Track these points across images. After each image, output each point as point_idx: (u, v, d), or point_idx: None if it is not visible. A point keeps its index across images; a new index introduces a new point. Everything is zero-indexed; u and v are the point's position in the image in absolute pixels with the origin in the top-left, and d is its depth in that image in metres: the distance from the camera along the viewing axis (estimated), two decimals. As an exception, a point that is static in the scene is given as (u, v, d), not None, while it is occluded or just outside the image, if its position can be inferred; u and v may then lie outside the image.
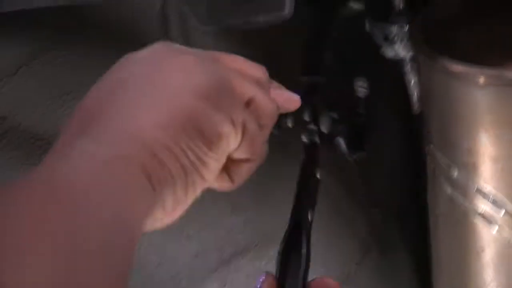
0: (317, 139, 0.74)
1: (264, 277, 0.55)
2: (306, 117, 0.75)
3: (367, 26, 0.82)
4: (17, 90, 0.78)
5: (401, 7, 0.80)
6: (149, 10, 0.80)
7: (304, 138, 0.73)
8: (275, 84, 0.56)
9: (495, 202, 0.72)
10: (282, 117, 0.68)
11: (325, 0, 0.83)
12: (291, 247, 0.66)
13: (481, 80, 0.67)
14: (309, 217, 0.69)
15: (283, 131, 0.70)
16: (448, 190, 0.76)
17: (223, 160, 0.47)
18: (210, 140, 0.45)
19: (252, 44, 0.84)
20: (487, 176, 0.72)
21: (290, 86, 0.85)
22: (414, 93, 0.84)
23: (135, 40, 0.80)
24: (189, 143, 0.43)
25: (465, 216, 0.75)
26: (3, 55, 0.77)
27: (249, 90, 0.50)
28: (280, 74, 0.86)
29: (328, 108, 0.78)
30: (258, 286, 0.55)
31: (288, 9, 0.64)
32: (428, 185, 0.84)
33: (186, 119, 0.43)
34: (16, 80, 0.77)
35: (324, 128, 0.76)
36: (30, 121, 0.79)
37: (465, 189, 0.74)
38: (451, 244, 0.81)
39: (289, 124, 0.72)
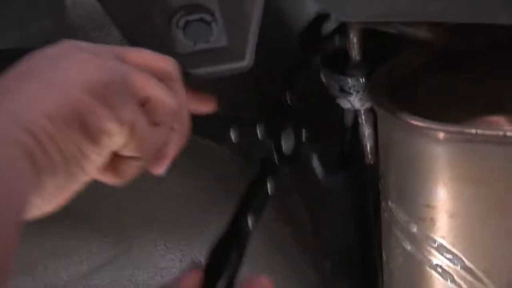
0: (274, 157, 0.74)
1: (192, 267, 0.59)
2: (261, 134, 0.74)
3: (323, 77, 0.82)
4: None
5: (357, 59, 0.80)
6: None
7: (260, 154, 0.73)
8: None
9: (452, 257, 0.71)
10: (225, 129, 0.68)
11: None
12: (222, 248, 0.66)
13: (441, 135, 0.67)
14: (249, 225, 0.69)
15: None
16: (405, 244, 0.75)
17: (105, 155, 0.49)
18: (92, 134, 0.46)
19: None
20: (445, 232, 0.71)
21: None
22: (368, 145, 0.84)
23: None
24: (71, 134, 0.45)
25: (422, 270, 0.75)
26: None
27: (147, 87, 0.51)
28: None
29: (299, 127, 0.78)
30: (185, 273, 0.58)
31: (248, 59, 0.63)
32: (383, 238, 0.83)
33: (71, 112, 0.45)
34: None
35: (286, 148, 0.76)
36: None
37: (422, 243, 0.73)
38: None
39: (233, 138, 0.71)
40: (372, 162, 0.85)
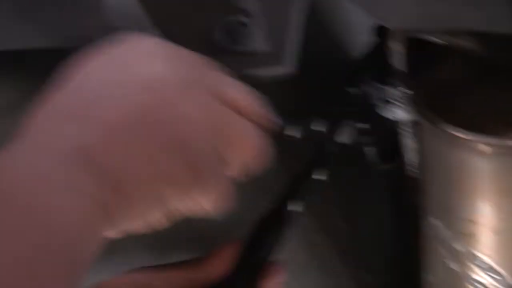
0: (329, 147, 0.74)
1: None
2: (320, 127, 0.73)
3: (363, 85, 0.81)
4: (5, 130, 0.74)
5: (400, 68, 0.78)
6: None
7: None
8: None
9: (495, 275, 0.69)
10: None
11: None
12: (263, 228, 0.66)
13: (487, 149, 0.64)
14: (294, 207, 0.69)
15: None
16: (447, 259, 0.73)
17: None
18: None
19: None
20: (488, 248, 0.69)
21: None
22: (408, 156, 0.82)
23: None
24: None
25: (463, 287, 0.72)
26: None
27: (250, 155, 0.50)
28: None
29: (354, 119, 0.77)
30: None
31: (287, 65, 0.63)
32: (424, 253, 0.81)
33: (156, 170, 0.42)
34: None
35: (344, 139, 0.75)
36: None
37: (464, 260, 0.71)
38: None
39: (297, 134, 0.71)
40: (412, 173, 0.83)
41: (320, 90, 0.87)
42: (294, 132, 0.71)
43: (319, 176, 0.73)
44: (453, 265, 0.72)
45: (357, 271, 1.02)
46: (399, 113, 0.78)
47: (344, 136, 0.77)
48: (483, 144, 0.64)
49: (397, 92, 0.77)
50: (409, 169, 0.82)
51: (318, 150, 0.74)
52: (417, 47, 0.78)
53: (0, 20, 0.61)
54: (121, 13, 0.78)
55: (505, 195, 0.66)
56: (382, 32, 0.80)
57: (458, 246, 0.71)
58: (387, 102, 0.78)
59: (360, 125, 0.79)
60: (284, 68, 0.62)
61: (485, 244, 0.69)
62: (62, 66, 0.46)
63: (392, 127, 0.79)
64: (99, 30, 0.62)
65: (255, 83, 0.68)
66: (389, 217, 1.05)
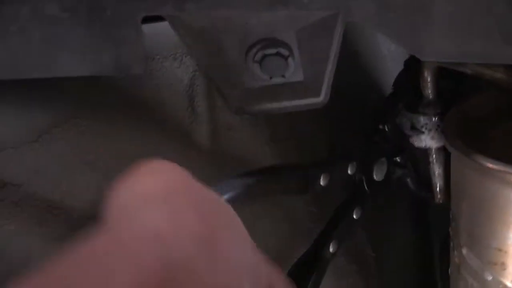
0: (364, 185, 0.77)
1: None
2: (352, 171, 0.77)
3: (395, 117, 0.82)
4: (37, 157, 0.76)
5: (430, 97, 0.79)
6: (176, 84, 0.79)
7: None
8: None
9: (523, 305, 0.70)
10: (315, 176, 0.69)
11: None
12: (302, 270, 0.67)
13: None
14: (331, 248, 0.73)
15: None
16: (475, 284, 0.73)
17: None
18: None
19: (279, 123, 0.83)
20: (516, 277, 0.70)
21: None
22: (438, 184, 0.83)
23: (159, 112, 0.79)
24: None
25: (491, 316, 0.73)
26: (25, 122, 0.75)
27: None
28: (310, 154, 0.87)
29: (388, 154, 0.81)
30: None
31: (324, 95, 0.63)
32: (452, 282, 0.81)
33: None
34: (37, 147, 0.76)
35: (377, 176, 0.79)
36: (46, 189, 0.77)
37: (493, 288, 0.71)
38: None
39: (322, 182, 0.73)
40: (441, 202, 0.84)
41: (353, 126, 0.89)
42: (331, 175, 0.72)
43: (354, 215, 0.75)
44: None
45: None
46: (430, 142, 0.79)
47: (380, 173, 0.79)
48: (511, 174, 0.65)
49: (429, 121, 0.78)
50: (439, 199, 0.83)
51: (355, 191, 0.76)
52: (449, 76, 0.79)
53: (39, 46, 0.62)
54: (158, 42, 0.80)
55: None
56: (413, 61, 0.81)
57: (487, 275, 0.72)
58: (419, 131, 0.79)
59: (394, 159, 0.80)
60: (321, 99, 0.63)
61: None
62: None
63: (424, 156, 0.81)
64: (136, 59, 0.63)
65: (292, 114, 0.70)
66: (418, 248, 1.06)
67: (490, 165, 0.66)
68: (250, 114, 0.79)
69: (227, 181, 0.63)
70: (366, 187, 0.77)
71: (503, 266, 0.70)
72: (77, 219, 0.76)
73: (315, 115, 0.88)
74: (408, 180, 0.84)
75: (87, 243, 0.35)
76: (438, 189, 0.83)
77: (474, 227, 0.73)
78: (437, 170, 0.82)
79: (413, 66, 0.82)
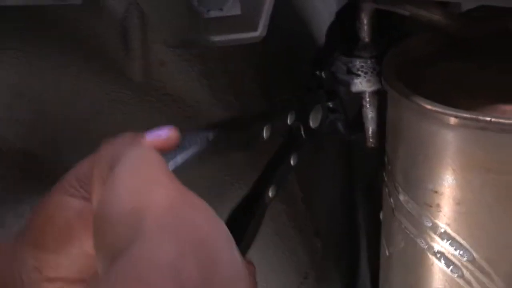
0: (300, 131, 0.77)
1: None
2: (291, 120, 0.76)
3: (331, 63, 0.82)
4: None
5: (366, 40, 0.78)
6: (109, 19, 0.76)
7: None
8: None
9: (456, 245, 0.70)
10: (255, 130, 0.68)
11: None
12: (241, 216, 0.67)
13: (454, 121, 0.65)
14: (270, 193, 0.73)
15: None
16: (408, 229, 0.74)
17: None
18: None
19: (212, 60, 0.82)
20: (450, 219, 0.70)
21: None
22: (370, 128, 0.82)
23: (93, 47, 0.76)
24: None
25: (424, 257, 0.73)
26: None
27: None
28: (242, 93, 0.86)
29: (324, 100, 0.81)
30: None
31: (261, 29, 0.61)
32: (384, 223, 0.82)
33: None
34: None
35: (313, 123, 0.79)
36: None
37: (426, 230, 0.72)
38: (405, 283, 0.79)
39: (264, 135, 0.72)
40: (373, 146, 0.83)
41: (289, 71, 0.88)
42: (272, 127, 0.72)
43: (292, 162, 0.75)
44: (415, 235, 0.73)
45: (308, 237, 1.04)
46: (366, 85, 0.78)
47: (315, 120, 0.79)
48: (451, 116, 0.65)
49: (364, 63, 0.78)
50: (371, 143, 0.82)
51: (292, 138, 0.75)
52: (385, 19, 0.78)
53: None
54: None
55: (469, 168, 0.67)
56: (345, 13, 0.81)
57: (420, 216, 0.72)
58: (355, 75, 0.78)
59: (328, 104, 0.81)
60: (258, 33, 0.61)
61: (447, 215, 0.70)
62: None
63: (359, 99, 0.80)
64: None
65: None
66: (342, 192, 1.07)
67: (428, 107, 0.66)
68: (186, 47, 0.77)
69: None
70: (303, 134, 0.77)
71: (438, 208, 0.70)
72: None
73: (249, 54, 0.87)
74: (339, 124, 0.84)
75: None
76: (370, 133, 0.83)
77: (410, 169, 0.73)
78: (370, 114, 0.81)
79: (345, 17, 0.82)
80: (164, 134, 0.51)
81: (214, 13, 0.60)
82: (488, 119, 0.63)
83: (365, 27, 0.78)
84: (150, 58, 0.78)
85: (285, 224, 1.00)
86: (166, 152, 0.50)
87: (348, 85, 0.80)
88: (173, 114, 0.81)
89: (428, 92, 0.68)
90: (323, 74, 0.80)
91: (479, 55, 0.77)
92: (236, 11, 0.61)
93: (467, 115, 0.64)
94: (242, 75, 0.88)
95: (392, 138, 0.76)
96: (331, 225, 1.09)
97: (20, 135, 0.74)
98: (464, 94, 0.70)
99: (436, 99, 0.67)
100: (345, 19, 0.82)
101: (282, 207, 0.98)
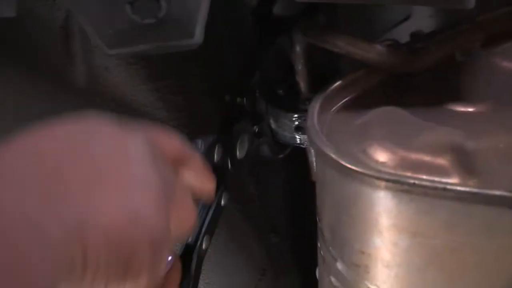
0: (228, 167, 0.74)
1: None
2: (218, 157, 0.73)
3: (272, 122, 0.81)
4: None
5: (303, 90, 0.77)
6: (49, 25, 0.75)
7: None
8: None
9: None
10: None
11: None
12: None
13: (376, 182, 0.57)
14: (204, 245, 0.70)
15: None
16: (337, 285, 0.68)
17: None
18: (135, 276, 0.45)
19: (157, 62, 0.81)
20: (379, 281, 0.63)
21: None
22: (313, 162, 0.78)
23: (33, 54, 0.76)
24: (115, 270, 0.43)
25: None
26: None
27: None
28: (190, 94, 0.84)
29: (250, 128, 0.78)
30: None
31: (198, 36, 0.61)
32: (319, 278, 0.76)
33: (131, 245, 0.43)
34: None
35: (240, 154, 0.76)
36: None
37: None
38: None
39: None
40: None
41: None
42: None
43: (223, 202, 0.72)
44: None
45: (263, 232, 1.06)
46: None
47: (242, 150, 0.76)
48: (371, 177, 0.57)
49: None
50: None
51: (219, 176, 0.71)
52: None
53: None
54: None
55: (396, 230, 0.59)
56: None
57: (352, 277, 0.66)
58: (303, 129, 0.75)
59: (255, 129, 0.78)
60: (195, 40, 0.60)
61: (376, 276, 0.62)
62: None
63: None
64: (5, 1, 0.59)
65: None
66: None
67: (350, 166, 0.58)
68: (123, 56, 0.76)
69: None
70: (230, 167, 0.74)
71: (366, 269, 0.63)
72: None
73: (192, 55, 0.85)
74: (265, 147, 0.80)
75: None
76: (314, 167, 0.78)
77: (337, 227, 0.65)
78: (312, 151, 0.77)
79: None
80: None
81: (149, 21, 0.59)
82: (412, 181, 0.55)
83: (300, 61, 0.75)
84: (94, 63, 0.77)
85: (240, 222, 1.02)
86: None
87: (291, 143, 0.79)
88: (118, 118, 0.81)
89: (359, 138, 0.63)
90: (244, 100, 0.77)
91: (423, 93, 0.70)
92: (172, 18, 0.59)
93: (390, 177, 0.56)
94: (189, 76, 0.86)
95: (319, 192, 0.69)
96: (287, 220, 1.10)
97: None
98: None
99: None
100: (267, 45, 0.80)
101: (237, 206, 1.00)
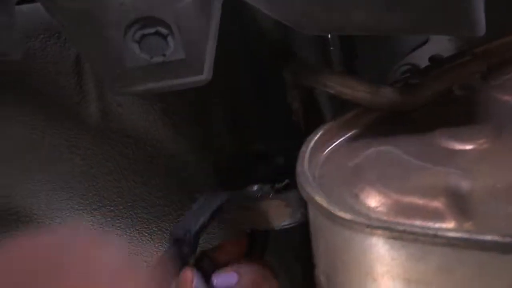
0: None
1: None
2: None
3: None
4: None
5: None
6: (61, 63, 0.76)
7: None
8: None
9: None
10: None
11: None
12: None
13: (366, 230, 0.55)
14: None
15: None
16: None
17: None
18: None
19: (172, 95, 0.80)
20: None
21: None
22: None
23: (46, 93, 0.76)
24: None
25: None
26: None
27: None
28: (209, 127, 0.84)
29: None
30: None
31: (207, 72, 0.61)
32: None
33: None
34: None
35: None
36: None
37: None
38: None
39: None
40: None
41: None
42: None
43: None
44: None
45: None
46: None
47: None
48: (360, 225, 0.56)
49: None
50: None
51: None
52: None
53: None
54: (41, 20, 0.77)
55: (388, 277, 0.57)
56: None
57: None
58: None
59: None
60: (204, 77, 0.61)
61: None
62: None
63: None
64: (12, 45, 0.60)
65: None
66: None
67: (341, 214, 0.57)
68: (132, 95, 0.76)
69: None
70: None
71: None
72: None
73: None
74: None
75: None
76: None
77: (332, 273, 0.63)
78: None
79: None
80: None
81: (157, 59, 0.60)
82: (402, 228, 0.53)
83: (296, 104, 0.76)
84: (107, 100, 0.77)
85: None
86: None
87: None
88: (134, 155, 0.80)
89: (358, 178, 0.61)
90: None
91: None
92: (180, 55, 0.60)
93: (379, 224, 0.54)
94: (202, 107, 0.86)
95: (313, 238, 0.67)
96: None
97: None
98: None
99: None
100: None
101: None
